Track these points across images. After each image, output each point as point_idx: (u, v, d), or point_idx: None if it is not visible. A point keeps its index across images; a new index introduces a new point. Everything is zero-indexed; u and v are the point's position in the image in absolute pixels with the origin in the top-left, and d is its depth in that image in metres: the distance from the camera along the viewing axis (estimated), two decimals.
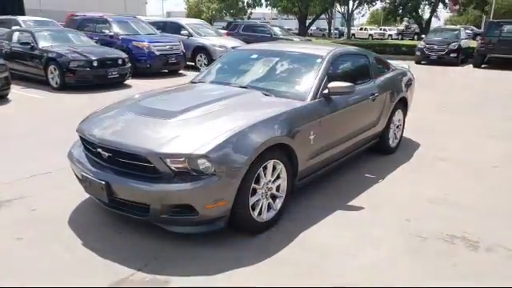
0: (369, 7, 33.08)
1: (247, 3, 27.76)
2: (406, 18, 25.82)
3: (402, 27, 51.63)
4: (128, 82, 9.98)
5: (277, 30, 17.96)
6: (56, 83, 9.04)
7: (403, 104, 5.09)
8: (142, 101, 3.44)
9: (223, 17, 54.69)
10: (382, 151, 4.92)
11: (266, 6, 29.28)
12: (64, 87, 8.90)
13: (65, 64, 8.79)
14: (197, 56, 13.18)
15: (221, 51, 12.88)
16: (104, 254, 2.73)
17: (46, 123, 6.26)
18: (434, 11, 23.07)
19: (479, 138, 5.88)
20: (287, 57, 4.06)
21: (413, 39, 42.17)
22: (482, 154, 5.09)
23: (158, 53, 11.24)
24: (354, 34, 44.69)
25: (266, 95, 3.53)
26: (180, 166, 2.63)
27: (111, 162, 2.82)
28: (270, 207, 3.08)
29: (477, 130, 6.35)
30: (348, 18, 37.01)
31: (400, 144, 5.25)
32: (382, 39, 43.34)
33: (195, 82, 4.18)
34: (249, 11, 28.65)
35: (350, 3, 30.67)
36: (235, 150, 2.71)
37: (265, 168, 2.93)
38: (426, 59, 16.46)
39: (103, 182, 2.72)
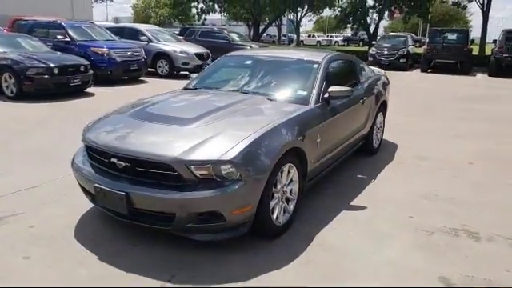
0: (317, 14, 34.08)
1: (201, 9, 27.59)
2: (355, 26, 27.00)
3: (348, 34, 53.78)
4: (89, 89, 9.58)
5: (235, 36, 18.02)
6: (11, 92, 8.47)
7: (384, 107, 5.34)
8: (148, 108, 3.34)
9: (172, 23, 54.02)
10: (366, 152, 5.11)
11: (220, 12, 29.31)
12: (21, 96, 8.36)
13: (22, 71, 8.27)
14: (157, 62, 12.92)
15: (183, 57, 12.79)
16: (125, 268, 2.62)
17: (10, 135, 5.85)
18: (380, 19, 24.40)
19: (448, 137, 6.29)
20: (283, 63, 4.13)
21: (358, 45, 44.19)
22: (455, 153, 5.45)
23: (119, 59, 10.90)
24: (302, 41, 45.88)
25: (270, 100, 3.56)
26: (205, 172, 2.60)
27: (128, 171, 2.72)
28: (284, 210, 3.11)
29: (443, 130, 6.79)
30: (297, 25, 37.96)
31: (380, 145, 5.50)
32: (329, 45, 44.91)
33: (190, 89, 4.11)
34: (203, 17, 28.47)
35: (299, 10, 31.43)
36: (259, 154, 2.72)
37: (281, 172, 2.96)
38: (377, 64, 17.24)
39: (123, 193, 2.61)
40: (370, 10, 24.33)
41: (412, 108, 8.81)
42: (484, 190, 4.18)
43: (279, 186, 2.97)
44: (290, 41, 48.95)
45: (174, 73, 12.87)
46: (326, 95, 3.66)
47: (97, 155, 2.91)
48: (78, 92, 9.16)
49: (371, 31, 24.48)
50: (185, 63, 12.77)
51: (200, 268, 2.65)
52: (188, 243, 2.83)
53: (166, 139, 2.76)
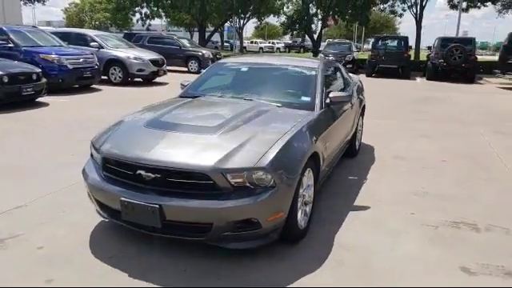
0: (261, 20, 34.73)
1: (145, 14, 26.89)
2: (301, 32, 27.91)
3: (287, 40, 55.26)
4: (41, 99, 8.95)
5: (185, 41, 17.83)
6: None
7: (363, 110, 5.60)
8: (163, 117, 3.21)
9: (108, 27, 52.07)
10: (348, 154, 5.31)
11: (166, 17, 28.76)
12: None
13: None
14: (110, 69, 12.39)
15: (137, 63, 12.40)
16: (160, 282, 2.52)
17: None
18: (323, 26, 25.45)
19: (414, 137, 6.72)
20: (280, 70, 4.19)
21: (299, 51, 45.57)
22: (426, 152, 5.85)
23: (70, 66, 10.30)
24: (245, 47, 46.36)
25: (278, 107, 3.60)
26: (240, 180, 2.58)
27: (157, 183, 2.62)
28: (304, 214, 3.17)
29: (407, 130, 7.25)
30: (240, 31, 38.42)
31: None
32: (271, 51, 45.80)
33: (190, 96, 4.01)
34: (147, 23, 27.78)
35: (243, 16, 31.85)
36: (289, 160, 2.76)
37: (303, 176, 3.02)
38: None
39: (157, 206, 2.52)
40: (314, 18, 25.32)
41: (373, 111, 9.23)
42: (464, 185, 4.54)
43: (301, 191, 3.02)
44: (233, 47, 49.30)
45: (128, 80, 12.44)
46: (328, 100, 3.78)
47: (118, 168, 2.77)
48: (30, 102, 8.56)
49: (315, 38, 25.43)
50: (140, 70, 12.40)
51: (238, 276, 2.62)
52: (216, 252, 2.79)
53: (197, 148, 2.70)
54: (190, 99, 3.88)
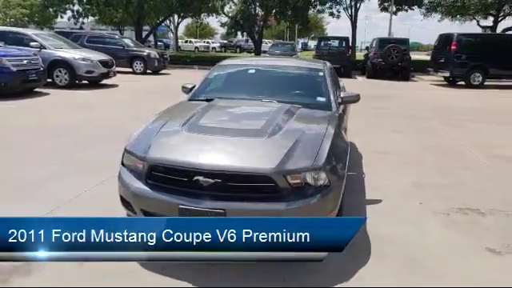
0: (198, 19, 34.30)
1: (77, 12, 25.29)
2: (244, 33, 28.17)
3: (220, 40, 55.27)
4: None
5: (128, 41, 17.14)
6: None
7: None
8: (200, 121, 3.11)
9: (26, 25, 48.19)
10: None
11: (100, 15, 27.35)
12: None
13: None
14: (54, 71, 11.53)
15: (86, 65, 11.71)
16: (221, 284, 2.50)
17: None
18: (264, 27, 25.95)
19: (386, 133, 7.16)
20: (289, 71, 4.26)
21: (235, 52, 45.79)
22: (402, 146, 6.28)
23: (14, 69, 9.46)
24: (179, 46, 45.47)
25: (300, 108, 3.65)
26: (298, 181, 2.63)
27: (216, 188, 2.57)
28: None
29: (377, 127, 7.69)
30: (176, 31, 37.72)
31: None
32: (207, 51, 45.46)
33: (203, 100, 3.89)
34: (81, 21, 26.17)
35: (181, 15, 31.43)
36: (338, 159, 2.86)
37: None
38: None
39: (222, 211, 2.48)
40: (257, 18, 25.69)
41: None
42: (449, 174, 4.95)
43: None
44: (166, 46, 48.11)
45: (75, 82, 11.70)
46: (339, 100, 3.93)
47: (168, 175, 2.66)
48: None
49: (256, 38, 25.82)
50: (89, 71, 11.70)
51: (297, 277, 2.66)
52: None
53: (253, 151, 2.70)
54: (207, 103, 3.76)
